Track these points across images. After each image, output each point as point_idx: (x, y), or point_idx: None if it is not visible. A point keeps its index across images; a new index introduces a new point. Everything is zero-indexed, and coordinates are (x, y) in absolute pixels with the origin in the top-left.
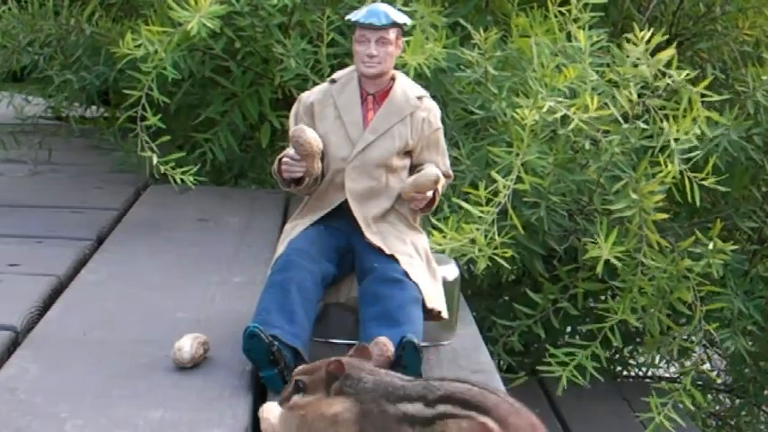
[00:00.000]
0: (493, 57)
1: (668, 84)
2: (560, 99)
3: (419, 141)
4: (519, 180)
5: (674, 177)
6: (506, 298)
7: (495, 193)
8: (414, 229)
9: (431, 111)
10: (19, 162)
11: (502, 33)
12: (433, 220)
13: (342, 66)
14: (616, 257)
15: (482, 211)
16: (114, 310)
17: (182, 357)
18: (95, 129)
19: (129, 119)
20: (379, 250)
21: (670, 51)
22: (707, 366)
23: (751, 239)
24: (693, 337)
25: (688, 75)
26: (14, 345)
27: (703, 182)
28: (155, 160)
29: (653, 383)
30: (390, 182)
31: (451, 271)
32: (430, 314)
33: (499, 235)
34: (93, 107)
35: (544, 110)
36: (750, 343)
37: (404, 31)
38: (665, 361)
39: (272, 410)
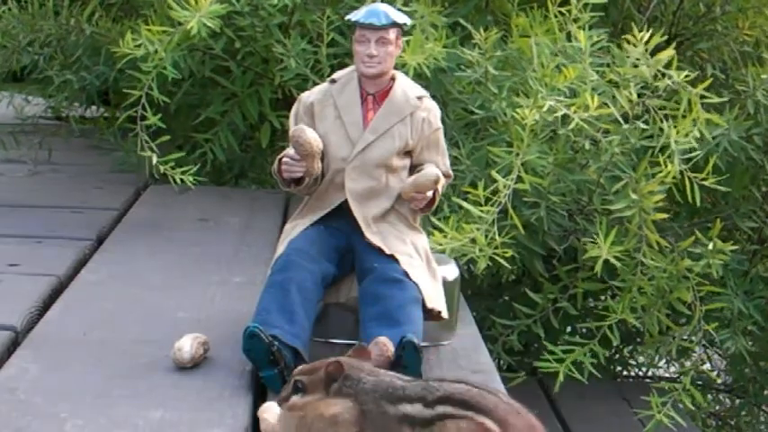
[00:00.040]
0: (493, 57)
1: (668, 84)
2: (560, 99)
3: (419, 141)
4: (519, 180)
5: (674, 177)
6: (506, 298)
7: (495, 193)
8: (414, 229)
9: (431, 111)
10: (19, 162)
11: (502, 33)
12: (434, 220)
13: (342, 66)
14: (615, 257)
15: (482, 211)
16: (114, 310)
17: (182, 357)
18: (95, 129)
19: (129, 119)
20: (379, 250)
21: (669, 52)
22: (707, 366)
23: (751, 239)
24: (693, 337)
25: (687, 75)
26: (14, 345)
27: (703, 182)
28: (154, 160)
29: (653, 383)
30: (390, 182)
31: (451, 271)
32: (430, 314)
33: (499, 235)
34: (93, 107)
35: (544, 109)
36: (750, 343)
37: (404, 30)
38: (664, 361)
39: (271, 410)
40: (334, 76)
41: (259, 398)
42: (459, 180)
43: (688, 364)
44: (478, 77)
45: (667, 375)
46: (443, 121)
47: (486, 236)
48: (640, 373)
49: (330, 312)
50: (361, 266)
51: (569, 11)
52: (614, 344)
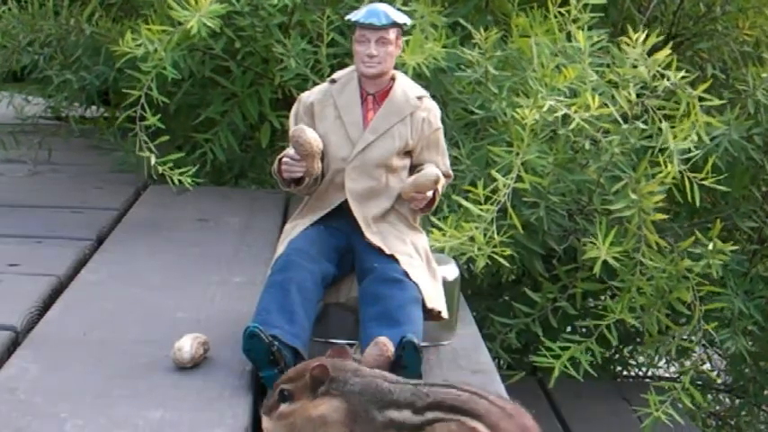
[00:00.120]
0: (493, 57)
1: (666, 85)
2: (560, 99)
3: (419, 141)
4: (519, 179)
5: (673, 177)
6: (506, 298)
7: (495, 192)
8: (414, 229)
9: (431, 111)
10: (19, 162)
11: (502, 33)
12: (433, 219)
13: (342, 66)
14: (614, 258)
15: (481, 210)
16: (114, 310)
17: (182, 357)
18: (95, 129)
19: (129, 119)
20: (379, 250)
21: (665, 52)
22: (707, 366)
23: (751, 239)
24: (693, 337)
25: (685, 76)
26: (14, 345)
27: (703, 182)
28: (152, 161)
29: (652, 383)
30: (390, 182)
31: (451, 271)
32: (430, 314)
33: (498, 234)
34: (93, 107)
35: (544, 109)
36: (750, 343)
37: (404, 30)
38: (664, 361)
39: None
40: (334, 76)
41: (259, 398)
42: (459, 180)
43: (688, 363)
44: (478, 77)
45: (667, 375)
46: (443, 121)
47: (485, 234)
48: (640, 373)
49: (330, 312)
50: (361, 266)
51: (569, 11)
52: (613, 344)
